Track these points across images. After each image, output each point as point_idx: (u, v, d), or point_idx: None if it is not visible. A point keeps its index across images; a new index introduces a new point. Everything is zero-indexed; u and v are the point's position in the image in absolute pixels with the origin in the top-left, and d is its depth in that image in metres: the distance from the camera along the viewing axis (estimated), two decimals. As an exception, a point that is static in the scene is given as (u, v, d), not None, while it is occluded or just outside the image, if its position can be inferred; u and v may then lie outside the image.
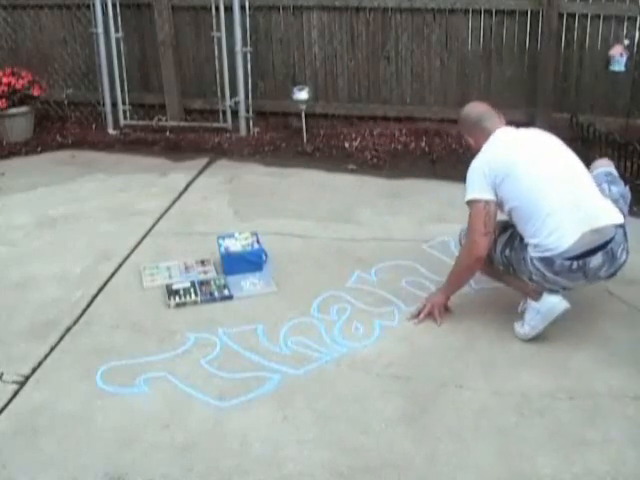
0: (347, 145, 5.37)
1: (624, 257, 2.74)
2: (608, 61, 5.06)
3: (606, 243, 2.67)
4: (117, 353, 2.83)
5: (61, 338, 2.95)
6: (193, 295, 3.23)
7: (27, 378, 2.69)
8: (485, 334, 2.91)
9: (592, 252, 2.65)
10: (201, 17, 5.72)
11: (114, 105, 5.83)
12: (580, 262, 2.65)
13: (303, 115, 5.43)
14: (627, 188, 3.02)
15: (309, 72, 5.76)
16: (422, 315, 3.00)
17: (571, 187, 2.73)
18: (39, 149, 5.50)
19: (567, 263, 2.65)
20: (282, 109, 5.79)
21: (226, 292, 3.27)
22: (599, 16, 5.08)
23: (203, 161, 5.12)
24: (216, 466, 2.25)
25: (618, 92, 5.17)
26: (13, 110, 5.50)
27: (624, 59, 5.00)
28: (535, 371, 2.67)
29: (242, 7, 5.45)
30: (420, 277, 3.38)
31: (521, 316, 2.88)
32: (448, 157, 5.11)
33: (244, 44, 5.53)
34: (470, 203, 2.78)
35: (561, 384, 2.59)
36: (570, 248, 2.63)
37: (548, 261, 2.67)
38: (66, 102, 6.08)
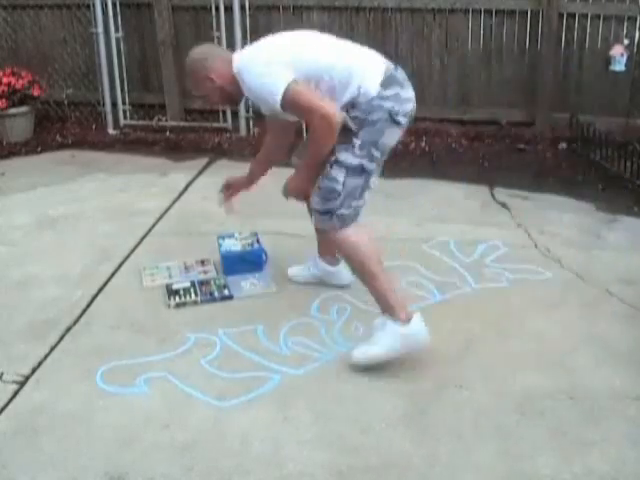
0: (347, 145, 5.36)
1: None
2: (608, 61, 5.07)
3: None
4: (117, 353, 2.83)
5: (61, 338, 2.95)
6: (193, 295, 3.23)
7: (27, 378, 2.69)
8: (485, 334, 2.91)
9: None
10: (201, 17, 5.72)
11: (114, 105, 5.83)
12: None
13: (303, 115, 5.42)
14: None
15: (309, 72, 5.76)
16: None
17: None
18: (39, 149, 5.51)
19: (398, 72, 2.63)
20: (282, 109, 5.79)
21: (226, 292, 3.27)
22: (599, 16, 5.08)
23: (203, 161, 5.12)
24: (216, 466, 2.25)
25: (618, 92, 5.18)
26: (13, 110, 5.51)
27: (624, 59, 5.01)
28: (535, 371, 2.67)
29: (242, 7, 5.45)
30: (420, 277, 3.38)
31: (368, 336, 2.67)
32: (448, 157, 5.12)
33: (244, 44, 5.53)
34: (285, 94, 2.48)
35: (561, 384, 2.59)
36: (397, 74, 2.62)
37: (396, 97, 2.58)
38: (66, 102, 6.09)
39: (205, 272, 3.46)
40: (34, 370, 2.74)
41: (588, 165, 4.83)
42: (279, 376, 2.68)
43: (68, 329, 3.01)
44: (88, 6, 5.68)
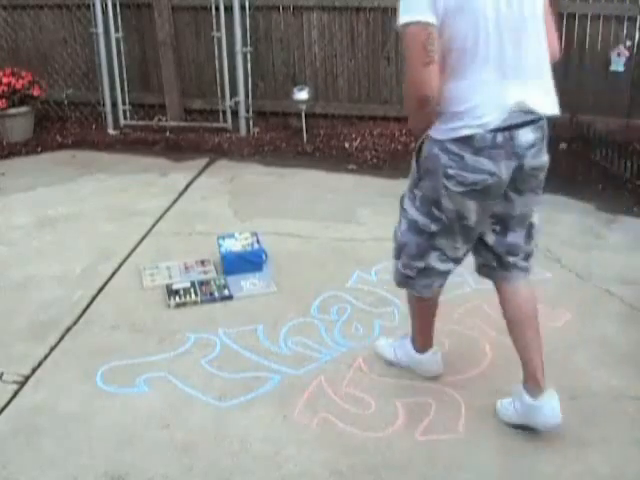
0: (347, 145, 5.37)
1: (546, 156, 2.21)
2: (608, 61, 5.07)
3: (535, 120, 2.11)
4: (117, 353, 2.83)
5: (61, 338, 2.95)
6: (193, 295, 3.23)
7: (27, 378, 2.69)
8: (484, 334, 2.91)
9: (519, 126, 2.08)
10: (201, 17, 5.72)
11: (114, 105, 5.83)
12: (506, 134, 2.06)
13: (303, 115, 5.43)
14: None
15: (309, 72, 5.76)
16: None
17: (525, 50, 2.07)
18: (39, 149, 5.50)
19: (489, 136, 2.05)
20: (282, 109, 5.79)
21: (226, 292, 3.27)
22: (599, 16, 5.07)
23: (203, 161, 5.12)
24: (216, 466, 2.25)
25: (618, 92, 5.17)
26: (13, 110, 5.50)
27: (624, 59, 5.01)
28: (535, 371, 2.66)
29: (242, 7, 5.45)
30: (420, 277, 3.37)
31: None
32: (448, 157, 5.11)
33: (244, 44, 5.53)
34: (405, 27, 2.10)
35: (561, 384, 2.58)
36: (493, 119, 2.04)
37: (466, 140, 2.06)
38: (66, 102, 6.08)
39: (205, 272, 3.46)
40: (34, 370, 2.74)
41: (588, 165, 4.82)
42: (279, 376, 2.68)
43: (68, 329, 3.01)
44: (88, 6, 5.67)
